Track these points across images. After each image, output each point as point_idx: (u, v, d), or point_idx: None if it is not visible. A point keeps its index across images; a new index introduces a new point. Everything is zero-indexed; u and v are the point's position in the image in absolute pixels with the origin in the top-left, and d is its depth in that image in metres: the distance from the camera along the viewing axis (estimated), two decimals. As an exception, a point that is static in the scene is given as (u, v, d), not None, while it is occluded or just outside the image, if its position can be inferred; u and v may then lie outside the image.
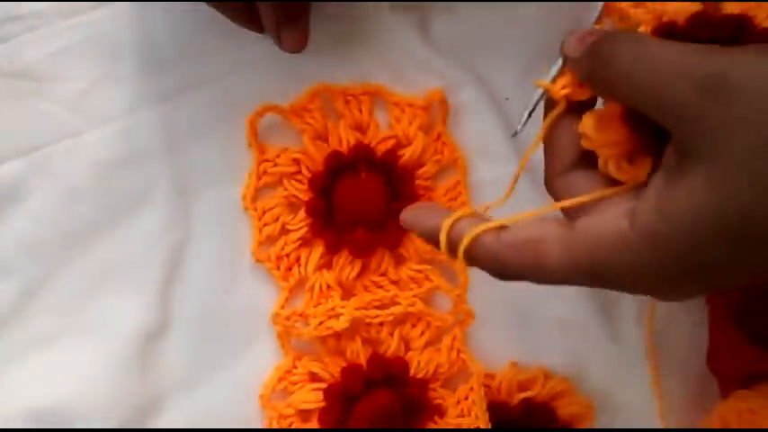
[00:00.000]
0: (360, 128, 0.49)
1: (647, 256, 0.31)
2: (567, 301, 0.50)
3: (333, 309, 0.48)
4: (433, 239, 0.36)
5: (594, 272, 0.32)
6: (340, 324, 0.47)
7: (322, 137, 0.49)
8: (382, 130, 0.49)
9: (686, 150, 0.31)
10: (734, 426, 0.46)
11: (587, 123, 0.34)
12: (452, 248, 0.35)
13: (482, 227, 0.34)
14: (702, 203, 0.30)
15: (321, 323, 0.47)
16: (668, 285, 0.32)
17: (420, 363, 0.48)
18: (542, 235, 0.34)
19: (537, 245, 0.34)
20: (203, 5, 0.49)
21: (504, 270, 0.34)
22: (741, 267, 0.31)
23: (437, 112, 0.49)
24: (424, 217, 0.37)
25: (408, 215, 0.38)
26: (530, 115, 0.37)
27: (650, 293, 0.33)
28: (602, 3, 0.37)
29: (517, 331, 0.50)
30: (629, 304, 0.50)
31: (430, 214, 0.37)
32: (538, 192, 0.49)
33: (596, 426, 0.49)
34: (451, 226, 0.35)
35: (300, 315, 0.48)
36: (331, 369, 0.48)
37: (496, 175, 0.50)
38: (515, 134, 0.37)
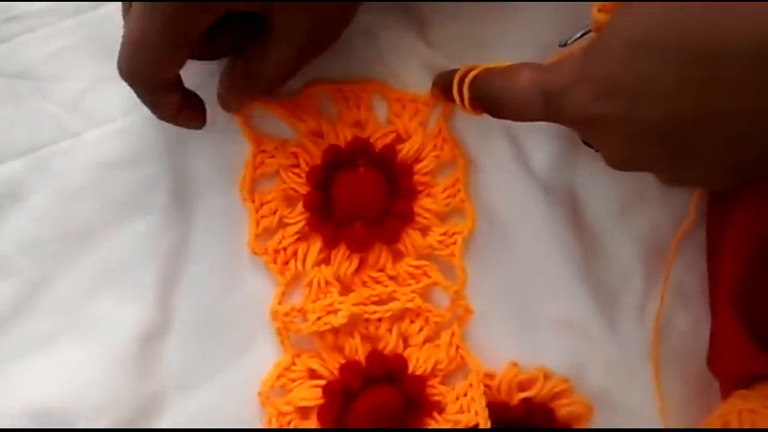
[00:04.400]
0: (358, 124, 0.49)
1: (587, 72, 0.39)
2: (567, 300, 0.49)
3: (331, 304, 0.48)
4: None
5: (550, 90, 0.41)
6: (338, 320, 0.47)
7: (317, 134, 0.49)
8: (381, 125, 0.49)
9: None
10: (734, 426, 0.46)
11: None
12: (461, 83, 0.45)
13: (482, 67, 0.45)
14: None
15: (319, 318, 0.47)
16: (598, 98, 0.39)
17: (419, 359, 0.48)
18: (519, 65, 0.43)
19: (512, 69, 0.43)
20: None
21: (483, 92, 0.44)
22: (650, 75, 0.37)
23: (438, 109, 0.49)
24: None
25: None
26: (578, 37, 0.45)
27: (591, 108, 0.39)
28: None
29: (517, 331, 0.50)
30: (629, 305, 0.50)
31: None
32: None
33: (596, 426, 0.49)
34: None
35: (299, 311, 0.48)
36: (330, 366, 0.48)
37: (496, 173, 0.50)
38: (565, 44, 0.45)
